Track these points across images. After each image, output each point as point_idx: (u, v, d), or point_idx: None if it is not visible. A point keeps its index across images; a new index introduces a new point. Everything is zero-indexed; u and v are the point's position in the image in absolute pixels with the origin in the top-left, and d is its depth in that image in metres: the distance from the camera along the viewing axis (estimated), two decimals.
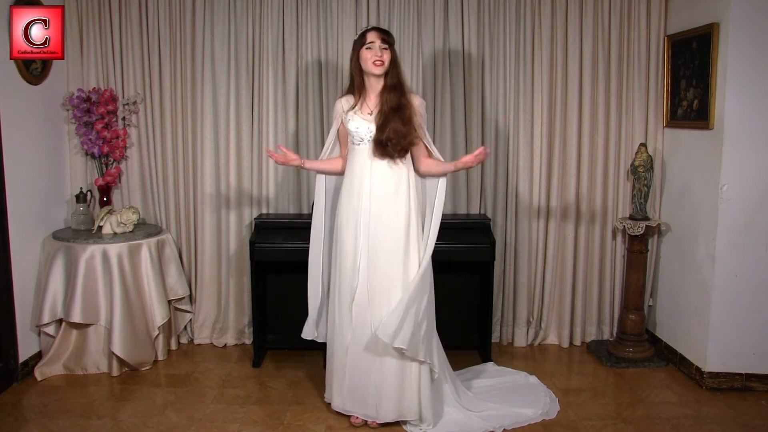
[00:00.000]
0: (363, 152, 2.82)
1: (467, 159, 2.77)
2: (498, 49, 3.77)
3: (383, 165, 2.80)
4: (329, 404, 3.01)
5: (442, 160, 2.92)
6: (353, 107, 2.86)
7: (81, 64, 3.80)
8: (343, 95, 2.97)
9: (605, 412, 3.08)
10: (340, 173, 2.98)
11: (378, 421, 2.88)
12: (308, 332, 3.04)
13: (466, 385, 3.19)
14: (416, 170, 2.90)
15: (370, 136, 2.80)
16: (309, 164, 3.02)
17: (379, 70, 2.77)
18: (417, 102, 2.85)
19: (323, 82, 3.76)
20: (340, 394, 2.90)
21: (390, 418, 2.86)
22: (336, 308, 2.87)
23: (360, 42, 2.81)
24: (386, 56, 2.77)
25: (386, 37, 2.78)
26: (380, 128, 2.77)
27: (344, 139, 2.94)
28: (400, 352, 2.75)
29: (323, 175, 3.03)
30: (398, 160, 2.79)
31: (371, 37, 2.77)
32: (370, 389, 2.83)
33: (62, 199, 3.81)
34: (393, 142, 2.75)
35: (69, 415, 3.02)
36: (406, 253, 2.79)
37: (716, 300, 3.27)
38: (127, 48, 3.78)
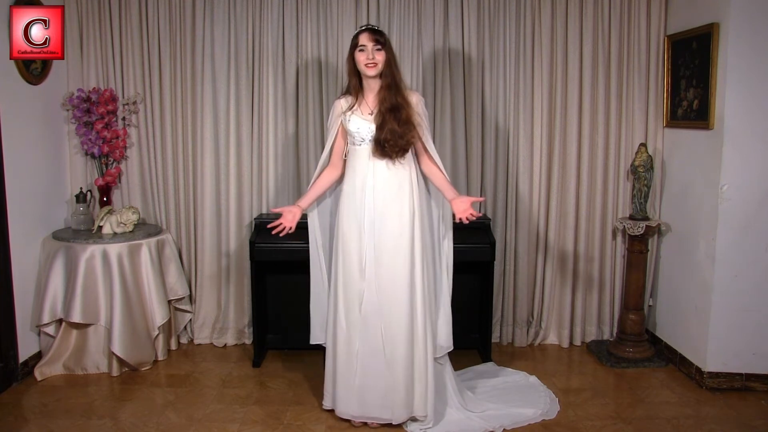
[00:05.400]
0: (364, 152, 2.82)
1: (461, 208, 2.76)
2: (498, 49, 3.76)
3: (384, 164, 2.79)
4: (331, 410, 2.97)
5: (441, 165, 2.86)
6: (351, 107, 2.85)
7: (81, 64, 3.79)
8: (341, 96, 2.96)
9: (605, 412, 3.08)
10: (338, 181, 2.96)
11: (393, 422, 2.87)
12: (317, 337, 3.07)
13: (466, 385, 3.18)
14: (419, 166, 2.90)
15: (371, 136, 2.79)
16: (304, 203, 2.93)
17: (372, 72, 2.76)
18: (414, 99, 2.83)
19: (323, 82, 3.76)
20: (347, 399, 2.86)
21: (403, 418, 2.86)
22: (342, 312, 2.84)
23: (353, 44, 2.80)
24: (379, 57, 2.75)
25: (378, 37, 2.75)
26: (379, 128, 2.76)
27: (341, 142, 2.92)
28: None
29: (314, 215, 3.02)
30: (399, 159, 2.79)
31: (363, 39, 2.75)
32: (381, 392, 2.82)
33: (62, 199, 3.81)
34: (390, 143, 2.74)
35: (69, 415, 3.02)
36: (412, 251, 2.78)
37: (716, 300, 3.27)
38: (127, 48, 3.77)
